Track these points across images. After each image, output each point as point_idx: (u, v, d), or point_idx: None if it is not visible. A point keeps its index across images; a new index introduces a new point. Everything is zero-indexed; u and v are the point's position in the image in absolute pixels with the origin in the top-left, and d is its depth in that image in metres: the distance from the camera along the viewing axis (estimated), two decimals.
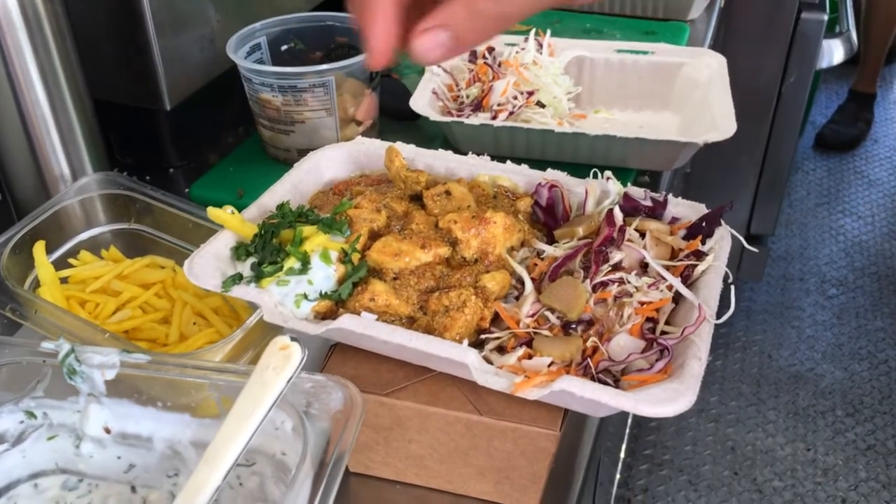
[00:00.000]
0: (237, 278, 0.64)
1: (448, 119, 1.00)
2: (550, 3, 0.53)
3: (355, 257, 0.65)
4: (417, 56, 0.52)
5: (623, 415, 1.86)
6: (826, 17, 2.02)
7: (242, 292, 0.63)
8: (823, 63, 2.15)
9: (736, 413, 2.38)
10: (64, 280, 0.82)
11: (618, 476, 2.04)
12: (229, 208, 0.70)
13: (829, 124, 3.49)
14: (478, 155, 0.81)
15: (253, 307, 0.68)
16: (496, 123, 0.99)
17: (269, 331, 0.71)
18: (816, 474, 2.21)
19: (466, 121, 0.99)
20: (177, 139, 1.11)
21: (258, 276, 0.63)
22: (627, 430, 2.09)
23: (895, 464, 2.21)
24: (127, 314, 0.79)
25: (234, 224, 0.69)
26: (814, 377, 2.48)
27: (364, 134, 1.00)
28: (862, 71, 3.37)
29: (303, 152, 0.99)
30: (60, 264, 0.84)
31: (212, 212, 0.70)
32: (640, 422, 2.35)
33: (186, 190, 1.04)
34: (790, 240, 3.00)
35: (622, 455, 2.08)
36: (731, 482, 2.19)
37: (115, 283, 0.82)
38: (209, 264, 0.65)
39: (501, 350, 0.62)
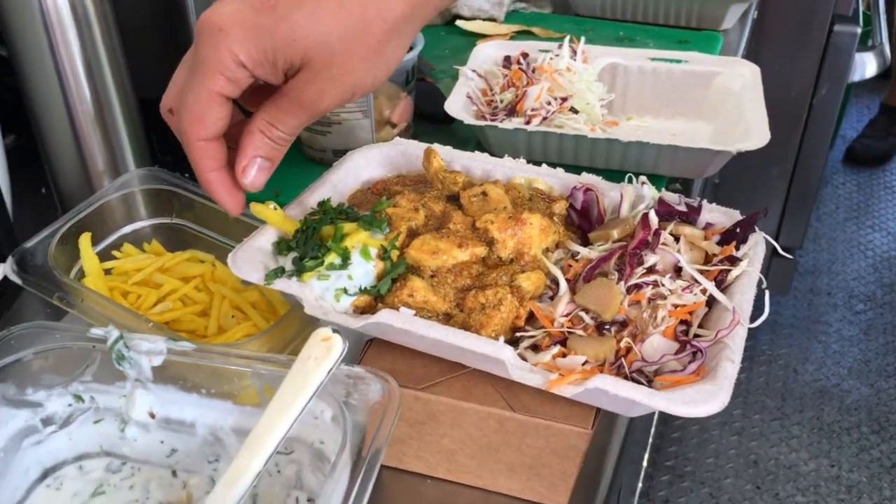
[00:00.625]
0: (279, 272, 0.65)
1: (482, 123, 1.01)
2: (315, 118, 0.64)
3: (394, 254, 0.67)
4: (249, 188, 0.64)
5: (646, 424, 1.86)
6: (859, 30, 2.01)
7: (284, 285, 0.65)
8: (856, 76, 2.14)
9: (759, 427, 2.37)
10: (107, 271, 0.84)
11: (639, 486, 2.03)
12: (272, 204, 0.72)
13: (859, 138, 3.47)
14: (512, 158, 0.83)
15: (290, 301, 0.69)
16: (530, 128, 1.00)
17: (306, 325, 0.73)
18: (840, 491, 2.19)
19: (500, 125, 1.00)
20: None
21: (299, 271, 0.65)
22: (650, 441, 2.09)
23: None
24: (167, 306, 0.82)
25: (276, 219, 0.71)
26: (839, 393, 2.46)
27: (399, 136, 1.02)
28: (894, 85, 3.35)
29: (338, 153, 1.01)
30: (104, 256, 0.86)
31: (255, 207, 0.72)
32: (662, 432, 2.34)
33: None
34: (818, 254, 2.98)
35: (644, 465, 2.07)
36: (754, 496, 2.18)
37: (157, 276, 0.84)
38: (252, 258, 0.67)
39: (535, 348, 0.63)
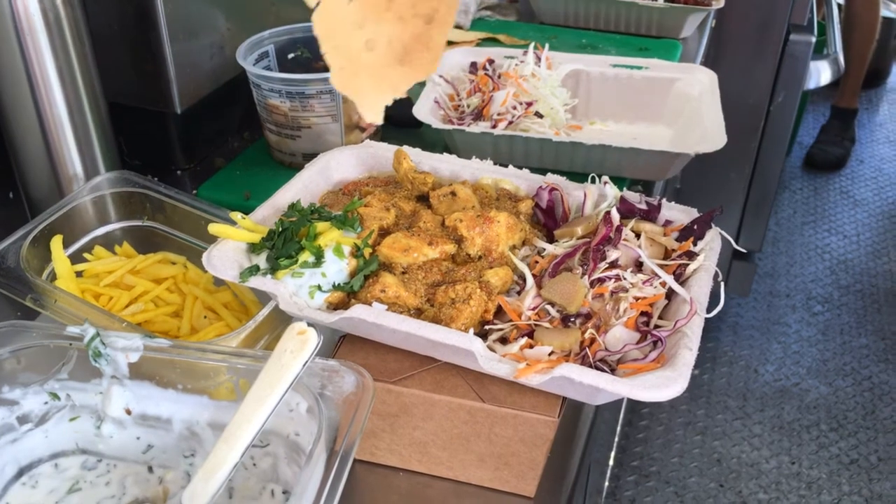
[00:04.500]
0: (254, 270, 0.67)
1: (450, 127, 1.04)
2: None
3: (367, 252, 0.69)
4: None
5: (612, 423, 1.88)
6: (814, 39, 2.07)
7: (259, 283, 0.66)
8: (811, 84, 2.21)
9: (722, 426, 2.41)
10: (79, 274, 0.85)
11: (606, 485, 2.06)
12: (239, 214, 0.73)
13: (816, 144, 3.56)
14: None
15: (262, 300, 0.70)
16: (496, 132, 1.02)
17: (279, 324, 0.75)
18: (800, 487, 2.24)
19: (467, 129, 1.03)
20: (185, 142, 1.14)
21: (274, 269, 0.66)
22: (616, 440, 2.12)
23: (878, 478, 2.25)
24: (140, 307, 0.82)
25: (239, 236, 0.71)
26: (799, 392, 2.52)
27: (368, 140, 1.04)
28: (843, 87, 3.44)
29: (308, 156, 1.03)
30: (75, 259, 0.86)
31: (213, 227, 0.71)
32: (627, 433, 2.38)
33: (193, 192, 1.07)
34: (777, 257, 3.05)
35: (610, 465, 2.10)
36: (717, 494, 2.22)
37: (128, 278, 0.85)
38: (227, 256, 0.68)
39: (504, 341, 0.66)
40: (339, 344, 0.70)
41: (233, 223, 0.74)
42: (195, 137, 1.15)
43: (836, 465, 2.29)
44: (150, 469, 0.65)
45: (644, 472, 2.28)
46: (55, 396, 0.64)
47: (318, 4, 0.72)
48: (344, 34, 0.74)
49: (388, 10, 0.73)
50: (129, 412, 0.63)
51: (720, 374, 2.58)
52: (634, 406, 2.45)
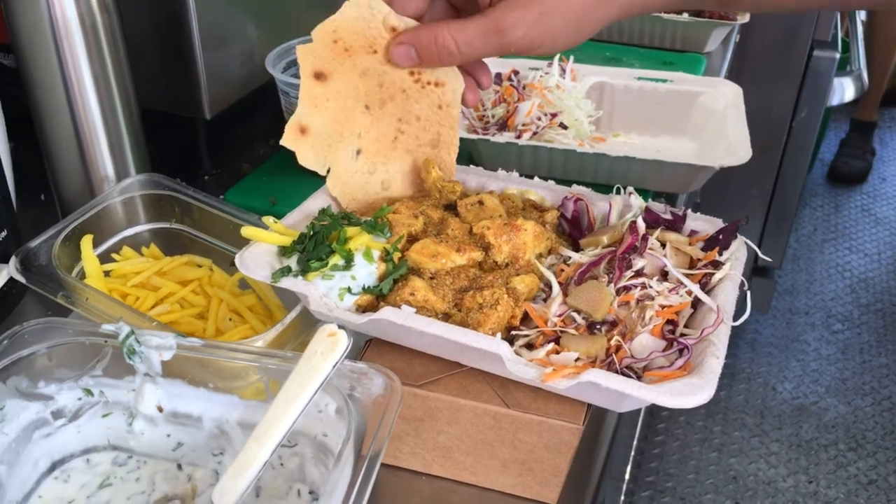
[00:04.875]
0: (286, 271, 0.68)
1: (474, 136, 1.05)
2: (498, 52, 0.68)
3: (396, 256, 0.69)
4: (392, 59, 0.71)
5: (627, 437, 1.87)
6: (838, 56, 2.07)
7: (290, 283, 0.67)
8: (834, 100, 2.20)
9: (739, 443, 2.40)
10: (106, 273, 0.86)
11: (621, 500, 2.05)
12: (271, 218, 0.74)
13: (839, 157, 3.55)
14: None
15: (287, 304, 0.71)
16: (521, 142, 1.03)
17: (304, 329, 0.76)
18: None
19: (492, 139, 1.04)
20: (213, 148, 1.16)
21: (304, 271, 0.67)
22: (632, 454, 2.11)
23: None
24: (166, 308, 0.84)
25: (271, 239, 0.72)
26: (817, 411, 2.50)
27: None
28: (864, 100, 3.41)
29: None
30: (103, 259, 0.88)
31: (246, 231, 0.72)
32: (643, 448, 2.37)
33: (221, 197, 1.09)
34: (797, 274, 3.04)
35: (626, 479, 2.10)
36: None
37: (155, 279, 0.86)
38: (259, 258, 0.69)
39: (530, 347, 0.66)
40: (365, 348, 0.70)
41: (263, 227, 0.76)
42: (223, 143, 1.17)
43: (854, 485, 2.27)
44: (180, 466, 0.66)
45: (659, 487, 2.27)
46: (89, 393, 0.65)
47: (328, 171, 0.75)
48: (359, 186, 0.77)
49: (394, 149, 0.77)
50: (160, 410, 0.65)
51: (738, 391, 2.56)
52: (650, 421, 2.44)
